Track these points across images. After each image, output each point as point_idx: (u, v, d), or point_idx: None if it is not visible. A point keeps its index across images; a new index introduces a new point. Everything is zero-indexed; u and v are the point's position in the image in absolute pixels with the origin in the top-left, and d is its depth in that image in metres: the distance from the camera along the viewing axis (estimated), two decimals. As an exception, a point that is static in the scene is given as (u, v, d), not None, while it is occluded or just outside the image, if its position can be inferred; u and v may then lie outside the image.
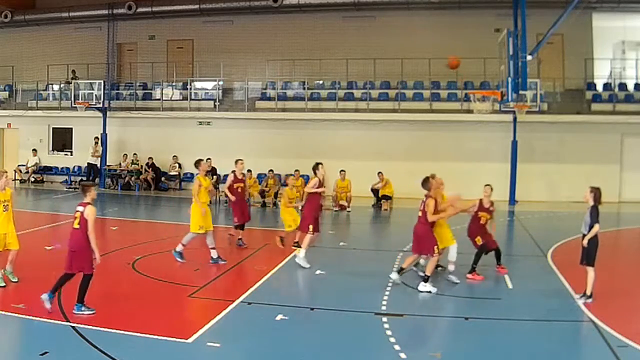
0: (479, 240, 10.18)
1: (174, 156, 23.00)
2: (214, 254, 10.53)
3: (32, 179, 24.33)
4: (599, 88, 21.54)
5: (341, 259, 11.55)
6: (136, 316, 7.72)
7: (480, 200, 10.32)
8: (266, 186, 19.69)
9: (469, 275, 9.89)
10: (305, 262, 10.33)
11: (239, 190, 12.02)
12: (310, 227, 10.42)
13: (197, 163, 10.97)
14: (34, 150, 24.94)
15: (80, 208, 7.64)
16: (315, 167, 10.76)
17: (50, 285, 7.52)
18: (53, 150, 25.52)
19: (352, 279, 10.16)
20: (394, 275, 9.35)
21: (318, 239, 11.23)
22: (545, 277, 10.10)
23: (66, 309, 7.61)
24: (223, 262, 10.53)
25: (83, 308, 7.45)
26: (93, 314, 7.41)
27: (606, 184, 9.45)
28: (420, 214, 9.19)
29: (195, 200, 10.54)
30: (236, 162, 12.26)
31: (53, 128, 25.46)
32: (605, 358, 6.47)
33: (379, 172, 19.43)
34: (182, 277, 9.59)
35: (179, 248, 10.51)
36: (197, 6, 23.63)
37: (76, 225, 7.57)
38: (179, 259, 10.45)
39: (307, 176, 18.62)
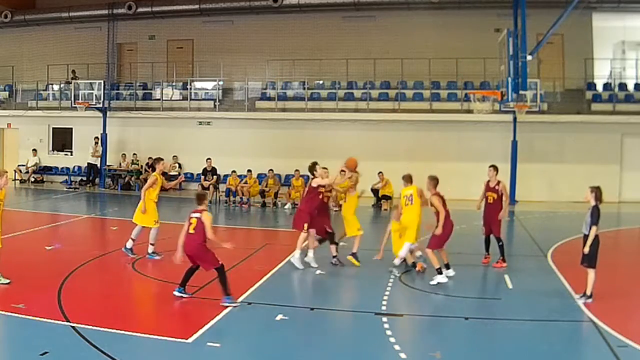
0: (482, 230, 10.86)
1: (174, 156, 22.99)
2: (150, 249, 10.90)
3: (32, 179, 24.32)
4: (599, 88, 21.53)
5: (341, 259, 11.53)
6: (136, 316, 7.73)
7: (487, 182, 10.84)
8: (266, 186, 19.70)
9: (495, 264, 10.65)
10: (300, 264, 10.26)
11: (325, 199, 10.84)
12: (305, 225, 10.20)
13: (157, 161, 11.51)
14: (34, 150, 24.93)
15: (196, 214, 8.10)
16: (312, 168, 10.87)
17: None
18: (53, 150, 25.51)
19: (352, 279, 10.16)
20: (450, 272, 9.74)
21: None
22: (545, 277, 10.10)
23: (66, 308, 7.61)
24: (159, 257, 10.78)
25: (231, 299, 7.95)
26: (239, 305, 7.99)
27: (606, 184, 9.44)
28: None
29: (143, 196, 10.81)
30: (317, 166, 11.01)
31: (53, 128, 25.44)
32: (605, 358, 6.47)
33: (379, 172, 19.43)
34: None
35: (150, 249, 10.88)
36: (197, 6, 23.62)
37: (192, 231, 8.03)
38: (157, 257, 10.79)
39: (307, 176, 18.63)
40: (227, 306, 7.91)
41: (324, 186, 10.43)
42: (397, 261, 10.11)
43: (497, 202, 10.67)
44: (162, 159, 11.68)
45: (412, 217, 9.96)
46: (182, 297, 8.24)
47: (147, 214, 10.91)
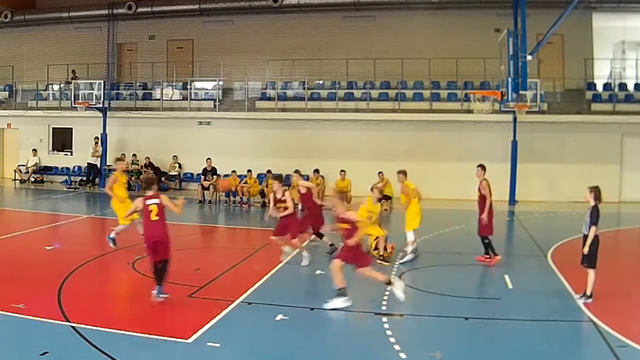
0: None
1: (174, 156, 23.00)
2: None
3: (32, 179, 24.32)
4: (599, 88, 21.53)
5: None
6: (136, 316, 7.72)
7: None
8: (266, 186, 19.67)
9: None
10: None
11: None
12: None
13: (117, 161, 12.60)
14: (34, 150, 24.92)
15: (154, 200, 7.87)
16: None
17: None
18: (53, 150, 25.50)
19: (352, 279, 10.14)
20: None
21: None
22: (545, 277, 10.11)
23: (66, 308, 7.61)
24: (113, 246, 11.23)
25: (161, 289, 7.96)
26: (168, 296, 7.97)
27: (606, 184, 9.47)
28: None
29: (112, 195, 11.65)
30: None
31: (53, 128, 25.44)
32: (605, 358, 6.47)
33: (379, 172, 19.41)
34: (182, 277, 9.57)
35: (112, 234, 11.46)
36: (197, 6, 23.61)
37: (154, 217, 7.83)
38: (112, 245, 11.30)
39: (307, 177, 18.64)
40: (160, 297, 7.94)
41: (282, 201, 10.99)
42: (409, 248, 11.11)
43: (483, 200, 10.93)
44: (121, 159, 12.91)
45: (419, 207, 11.35)
46: (164, 297, 8.03)
47: (119, 212, 11.49)
